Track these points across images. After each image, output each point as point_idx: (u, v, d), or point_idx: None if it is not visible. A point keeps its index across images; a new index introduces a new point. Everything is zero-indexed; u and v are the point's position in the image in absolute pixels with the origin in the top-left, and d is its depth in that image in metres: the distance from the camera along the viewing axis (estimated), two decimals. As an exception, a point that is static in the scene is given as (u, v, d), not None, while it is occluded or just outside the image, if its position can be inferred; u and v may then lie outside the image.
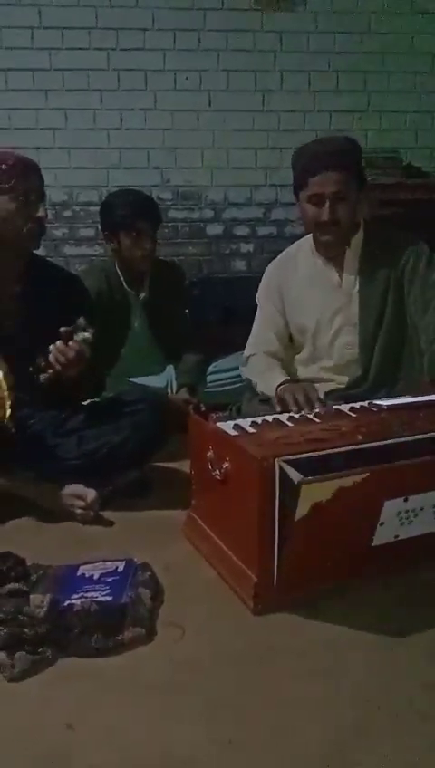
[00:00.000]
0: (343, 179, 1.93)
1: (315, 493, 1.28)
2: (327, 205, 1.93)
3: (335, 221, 1.95)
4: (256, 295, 2.23)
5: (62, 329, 1.78)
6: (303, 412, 1.69)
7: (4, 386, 1.67)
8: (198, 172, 3.70)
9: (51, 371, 1.79)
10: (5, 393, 1.66)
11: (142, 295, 2.66)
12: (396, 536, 1.47)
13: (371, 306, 2.03)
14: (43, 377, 1.80)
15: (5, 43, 3.45)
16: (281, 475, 1.33)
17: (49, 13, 3.44)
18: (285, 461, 1.33)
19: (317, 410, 1.70)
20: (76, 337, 1.79)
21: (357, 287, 2.05)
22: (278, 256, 2.24)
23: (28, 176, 1.85)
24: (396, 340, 2.04)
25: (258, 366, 2.13)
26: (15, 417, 1.69)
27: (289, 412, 1.72)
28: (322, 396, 2.02)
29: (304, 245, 2.16)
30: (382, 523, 1.43)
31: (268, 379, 2.02)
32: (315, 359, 2.14)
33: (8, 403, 1.66)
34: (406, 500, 1.42)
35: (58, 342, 1.78)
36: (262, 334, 2.18)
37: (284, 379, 1.99)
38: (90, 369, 1.85)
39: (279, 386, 1.94)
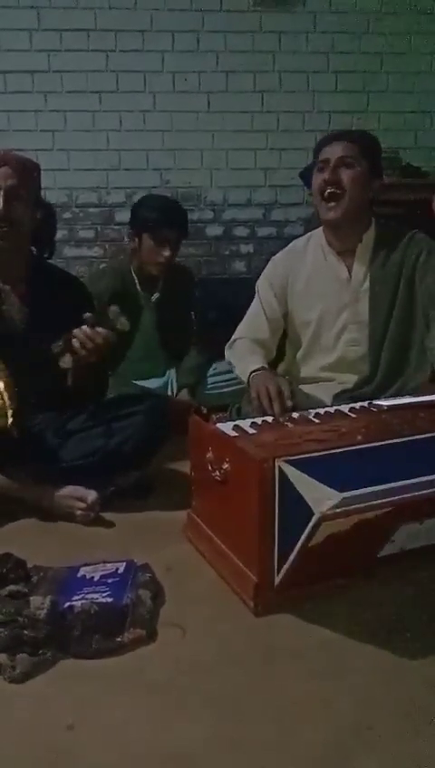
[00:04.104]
0: (350, 148, 1.95)
1: (334, 526, 1.26)
2: (331, 165, 1.94)
3: (337, 181, 1.94)
4: (257, 282, 2.21)
5: (86, 315, 1.79)
6: (273, 406, 1.71)
7: (6, 395, 1.67)
8: (197, 173, 3.70)
9: (71, 355, 1.79)
10: (6, 402, 1.67)
11: (155, 297, 2.65)
12: (402, 548, 1.48)
13: (381, 303, 2.02)
14: (64, 360, 1.80)
15: (4, 46, 3.46)
16: (281, 478, 1.33)
17: (48, 15, 3.45)
18: (285, 461, 1.33)
19: (289, 405, 1.71)
20: (117, 324, 1.80)
21: (367, 284, 2.03)
22: (286, 247, 2.21)
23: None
24: (405, 338, 2.02)
25: (241, 349, 2.12)
26: (18, 424, 1.69)
27: (261, 402, 1.74)
28: (330, 399, 2.02)
29: (313, 239, 2.15)
30: (393, 541, 1.45)
31: (246, 364, 2.01)
32: (314, 355, 2.13)
33: (9, 412, 1.66)
34: (421, 523, 1.43)
35: (84, 327, 1.78)
36: (254, 320, 2.17)
37: (260, 365, 1.96)
38: (102, 364, 1.86)
39: (253, 372, 1.93)
